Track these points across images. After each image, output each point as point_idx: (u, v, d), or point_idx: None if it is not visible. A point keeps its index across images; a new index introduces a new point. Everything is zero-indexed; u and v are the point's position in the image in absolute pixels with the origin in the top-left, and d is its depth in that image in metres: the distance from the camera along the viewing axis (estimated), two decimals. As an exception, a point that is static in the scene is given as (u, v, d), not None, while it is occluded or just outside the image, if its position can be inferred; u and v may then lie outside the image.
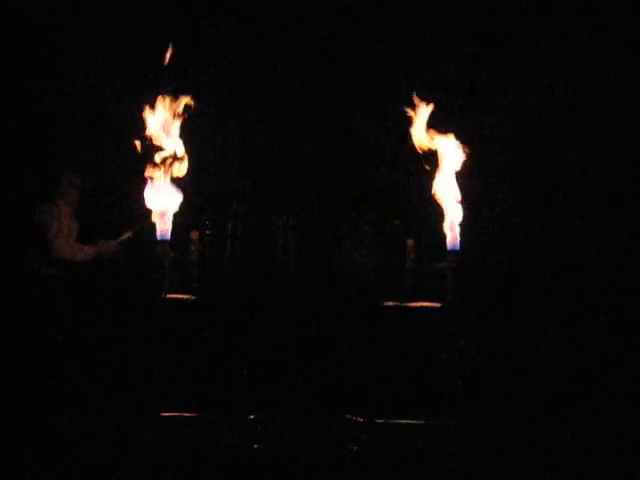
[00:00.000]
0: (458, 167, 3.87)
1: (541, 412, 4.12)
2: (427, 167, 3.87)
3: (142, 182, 3.86)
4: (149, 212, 3.87)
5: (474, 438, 3.83)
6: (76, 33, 4.71)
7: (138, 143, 3.85)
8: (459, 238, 3.93)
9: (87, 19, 4.73)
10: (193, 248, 4.01)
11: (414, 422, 3.85)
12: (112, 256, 4.53)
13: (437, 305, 3.90)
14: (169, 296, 3.87)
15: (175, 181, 3.87)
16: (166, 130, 3.87)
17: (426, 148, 3.89)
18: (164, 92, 3.89)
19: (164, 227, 3.88)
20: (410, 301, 3.96)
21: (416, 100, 3.92)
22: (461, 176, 4.00)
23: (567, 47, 4.64)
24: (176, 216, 3.97)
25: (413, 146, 3.90)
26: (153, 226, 3.89)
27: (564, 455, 3.80)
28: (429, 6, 4.76)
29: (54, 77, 4.71)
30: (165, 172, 3.83)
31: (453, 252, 3.90)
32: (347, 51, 4.74)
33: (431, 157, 3.88)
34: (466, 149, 3.87)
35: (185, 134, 3.92)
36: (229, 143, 4.72)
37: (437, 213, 3.98)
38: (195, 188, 4.14)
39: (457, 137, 3.90)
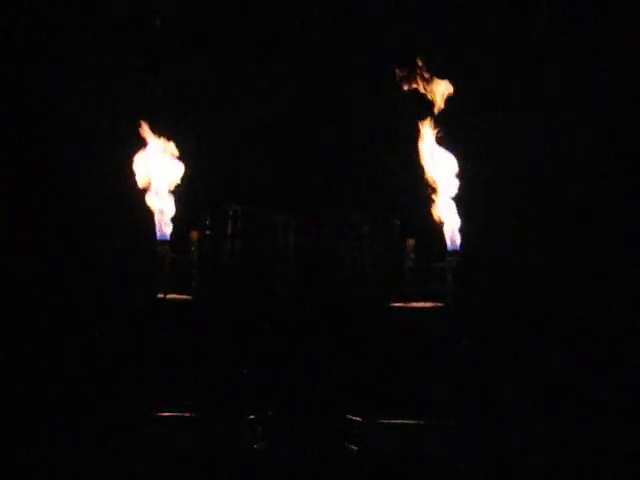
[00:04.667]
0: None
1: (543, 412, 4.12)
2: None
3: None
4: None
5: (474, 438, 3.82)
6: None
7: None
8: (459, 238, 3.93)
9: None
10: (193, 248, 4.02)
11: (414, 422, 3.85)
12: None
13: (437, 305, 3.90)
14: (169, 296, 3.88)
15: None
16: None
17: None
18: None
19: (164, 227, 3.89)
20: (410, 301, 3.96)
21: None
22: (462, 175, 4.02)
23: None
24: (176, 216, 3.99)
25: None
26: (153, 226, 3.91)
27: (565, 456, 3.80)
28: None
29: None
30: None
31: (453, 252, 3.91)
32: (346, 48, 4.73)
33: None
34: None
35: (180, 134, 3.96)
36: (227, 143, 4.71)
37: (437, 213, 3.99)
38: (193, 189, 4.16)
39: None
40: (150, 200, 3.96)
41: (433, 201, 4.00)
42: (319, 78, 4.73)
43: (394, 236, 4.14)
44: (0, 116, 4.59)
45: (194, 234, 4.04)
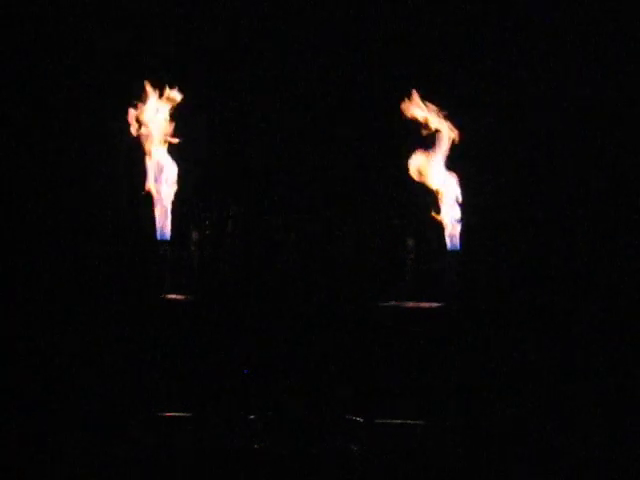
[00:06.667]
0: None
1: (542, 412, 4.12)
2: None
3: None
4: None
5: (474, 438, 3.83)
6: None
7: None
8: (459, 238, 3.93)
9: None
10: (193, 248, 4.02)
11: (414, 422, 3.85)
12: None
13: (437, 305, 3.90)
14: (168, 296, 3.88)
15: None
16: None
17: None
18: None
19: (164, 226, 3.90)
20: (410, 301, 3.96)
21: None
22: (461, 174, 4.02)
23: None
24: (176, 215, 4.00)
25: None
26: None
27: (565, 456, 3.80)
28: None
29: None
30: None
31: (453, 252, 3.91)
32: (347, 46, 4.73)
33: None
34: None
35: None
36: (226, 142, 4.72)
37: (437, 212, 3.99)
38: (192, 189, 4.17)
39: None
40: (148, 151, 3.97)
41: (434, 201, 4.00)
42: (320, 78, 4.73)
43: (394, 236, 4.15)
44: (0, 116, 4.60)
45: (194, 234, 4.05)
